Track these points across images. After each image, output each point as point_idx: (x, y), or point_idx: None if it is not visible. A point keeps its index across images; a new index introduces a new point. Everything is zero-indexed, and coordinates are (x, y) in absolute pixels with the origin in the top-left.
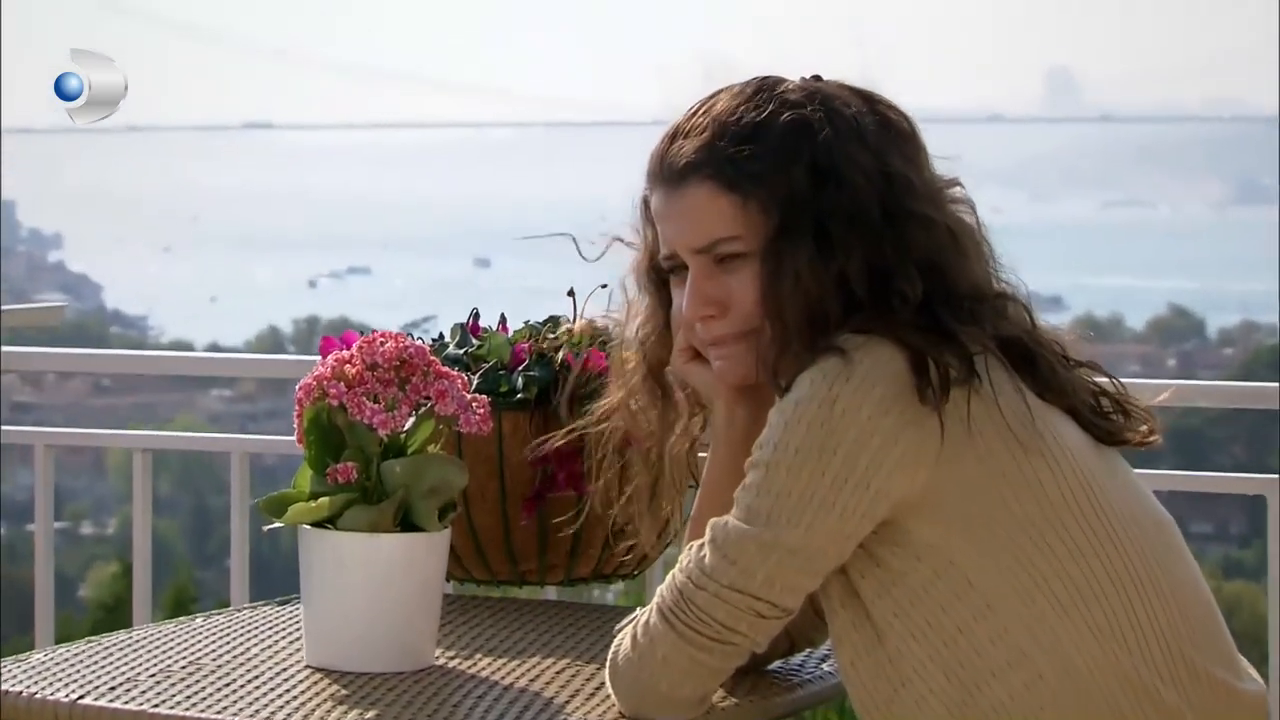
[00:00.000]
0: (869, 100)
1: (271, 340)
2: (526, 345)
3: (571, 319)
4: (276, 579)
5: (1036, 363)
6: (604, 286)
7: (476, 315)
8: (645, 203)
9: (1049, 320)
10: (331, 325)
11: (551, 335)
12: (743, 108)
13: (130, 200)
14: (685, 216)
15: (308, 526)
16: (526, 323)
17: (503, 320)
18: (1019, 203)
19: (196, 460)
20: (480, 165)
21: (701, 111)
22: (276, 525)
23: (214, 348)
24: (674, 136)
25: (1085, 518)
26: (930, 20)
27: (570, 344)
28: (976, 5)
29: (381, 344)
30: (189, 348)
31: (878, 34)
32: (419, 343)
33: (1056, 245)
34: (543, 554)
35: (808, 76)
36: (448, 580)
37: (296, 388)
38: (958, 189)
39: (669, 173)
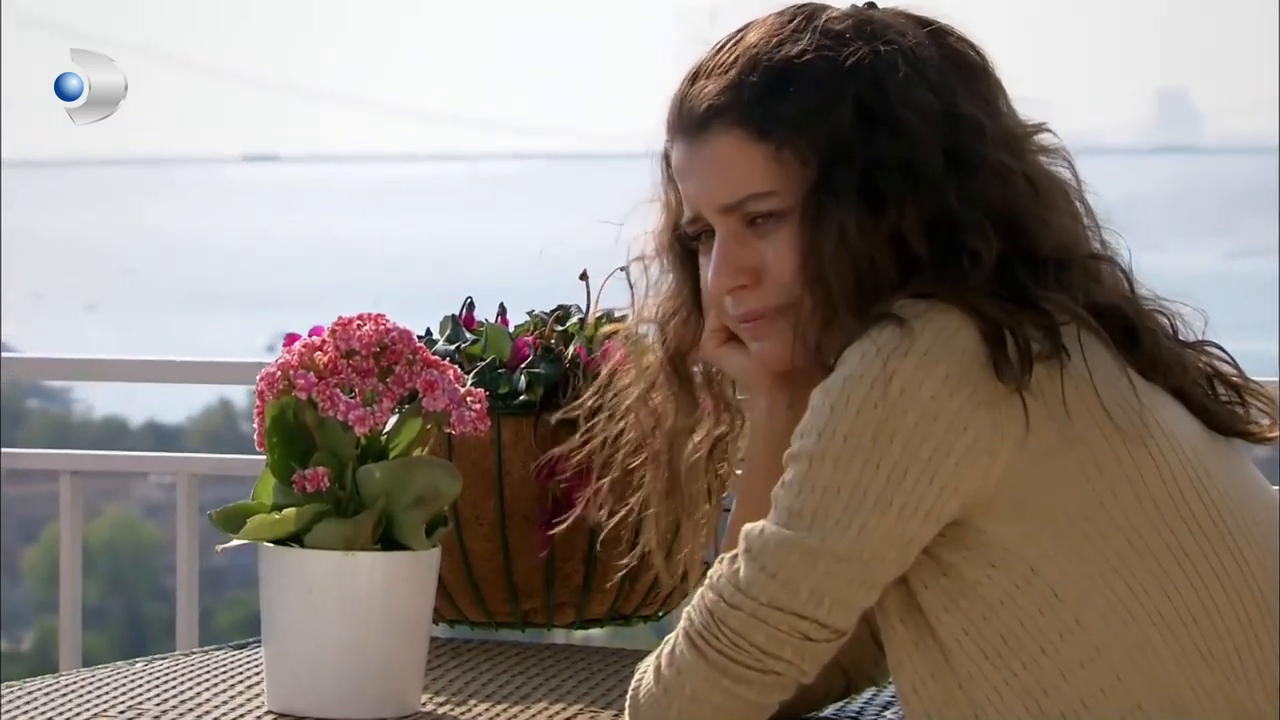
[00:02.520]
0: (934, 31)
1: (223, 415)
2: (530, 339)
3: (584, 308)
4: None
5: (1138, 335)
6: (622, 270)
7: (471, 305)
8: (665, 159)
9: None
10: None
11: (560, 327)
12: (776, 40)
13: (50, 248)
14: (709, 170)
15: (269, 544)
16: (530, 313)
17: (502, 311)
18: (1122, 251)
19: (130, 560)
20: (474, 203)
21: (728, 46)
22: (234, 544)
23: (152, 425)
24: (695, 76)
25: (1196, 519)
26: (1013, 30)
27: (583, 336)
28: (1072, 14)
29: (359, 327)
30: (123, 425)
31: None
32: (404, 327)
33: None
34: (549, 589)
35: (860, 4)
36: (435, 622)
37: (257, 379)
38: (1046, 135)
39: (689, 119)
